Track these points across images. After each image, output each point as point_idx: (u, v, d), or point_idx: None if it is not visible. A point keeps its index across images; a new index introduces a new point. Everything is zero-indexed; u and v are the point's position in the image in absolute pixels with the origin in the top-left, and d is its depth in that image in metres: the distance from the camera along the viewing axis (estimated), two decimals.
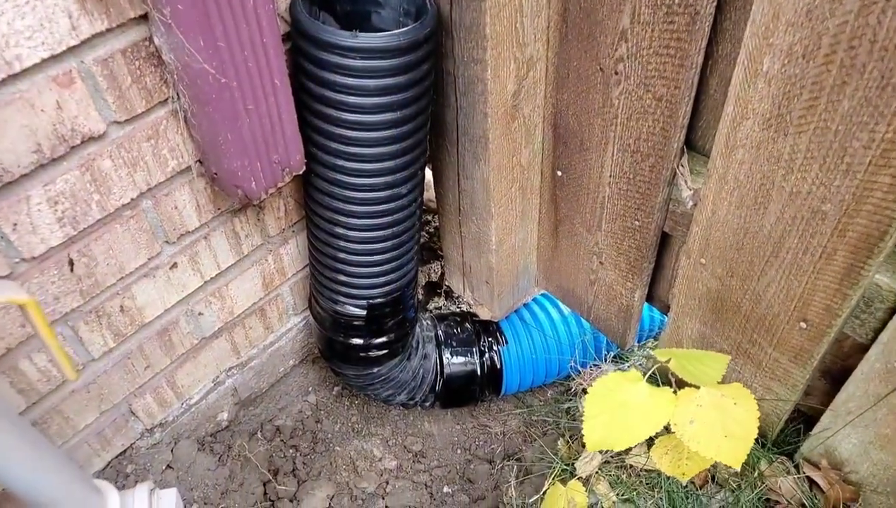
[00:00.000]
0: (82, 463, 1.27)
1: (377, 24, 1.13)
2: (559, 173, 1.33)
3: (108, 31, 0.87)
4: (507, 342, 1.62)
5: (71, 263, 1.02)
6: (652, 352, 1.13)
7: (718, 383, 0.96)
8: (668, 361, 0.96)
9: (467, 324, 1.65)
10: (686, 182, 1.09)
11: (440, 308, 2.02)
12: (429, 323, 1.65)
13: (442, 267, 1.80)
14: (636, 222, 1.22)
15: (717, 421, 0.90)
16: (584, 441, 0.94)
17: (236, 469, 1.54)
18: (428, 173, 1.44)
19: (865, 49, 0.73)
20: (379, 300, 1.32)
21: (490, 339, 1.62)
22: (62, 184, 0.94)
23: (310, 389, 1.84)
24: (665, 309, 1.35)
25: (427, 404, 1.65)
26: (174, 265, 1.19)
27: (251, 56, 0.93)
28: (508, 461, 1.67)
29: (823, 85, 0.79)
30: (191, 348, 1.33)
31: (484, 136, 1.20)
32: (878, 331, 0.97)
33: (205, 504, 1.42)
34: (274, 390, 1.70)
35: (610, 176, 1.20)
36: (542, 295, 1.72)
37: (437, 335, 1.62)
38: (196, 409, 1.44)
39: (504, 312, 1.63)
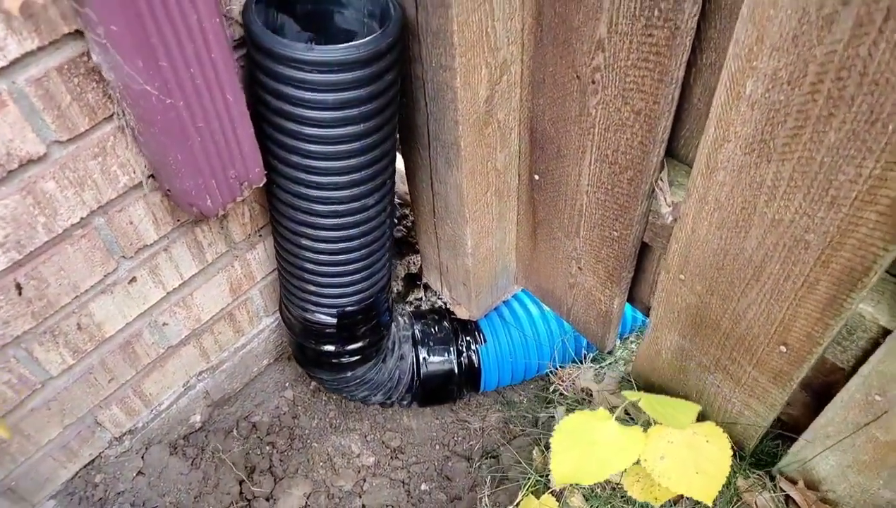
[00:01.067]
0: (48, 476, 1.24)
1: (340, 25, 1.06)
2: (536, 177, 1.27)
3: (41, 49, 0.81)
4: (485, 341, 1.58)
5: (18, 287, 0.97)
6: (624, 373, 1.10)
7: None
8: (638, 401, 0.92)
9: (445, 323, 1.62)
10: (665, 197, 1.04)
11: (420, 299, 1.98)
12: (405, 321, 1.61)
13: (417, 238, 1.76)
14: (614, 232, 1.17)
15: (688, 458, 0.87)
16: (552, 475, 0.91)
17: (210, 470, 1.51)
18: (401, 165, 1.38)
19: (854, 81, 0.68)
20: (350, 308, 1.28)
21: (468, 338, 1.59)
22: (2, 209, 0.88)
23: (286, 384, 1.81)
24: (646, 311, 1.32)
25: (404, 403, 1.63)
26: (133, 279, 1.13)
27: (198, 73, 0.86)
28: (486, 459, 1.66)
29: (809, 114, 0.74)
30: (157, 357, 1.29)
31: (455, 143, 1.14)
32: (859, 360, 0.94)
33: None
34: (249, 388, 1.67)
35: (588, 184, 1.15)
36: (523, 291, 1.68)
37: (413, 334, 1.58)
38: (167, 414, 1.41)
39: (482, 312, 1.59)
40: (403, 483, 1.66)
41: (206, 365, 1.42)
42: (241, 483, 1.57)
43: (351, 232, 1.13)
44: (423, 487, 1.66)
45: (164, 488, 1.41)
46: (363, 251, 1.19)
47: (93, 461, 1.31)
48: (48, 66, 0.83)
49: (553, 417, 1.43)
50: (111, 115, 0.93)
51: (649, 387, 1.39)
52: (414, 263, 1.89)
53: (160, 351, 1.28)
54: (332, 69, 0.89)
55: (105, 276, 1.08)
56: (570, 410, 1.40)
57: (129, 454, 1.36)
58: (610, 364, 1.51)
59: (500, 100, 1.13)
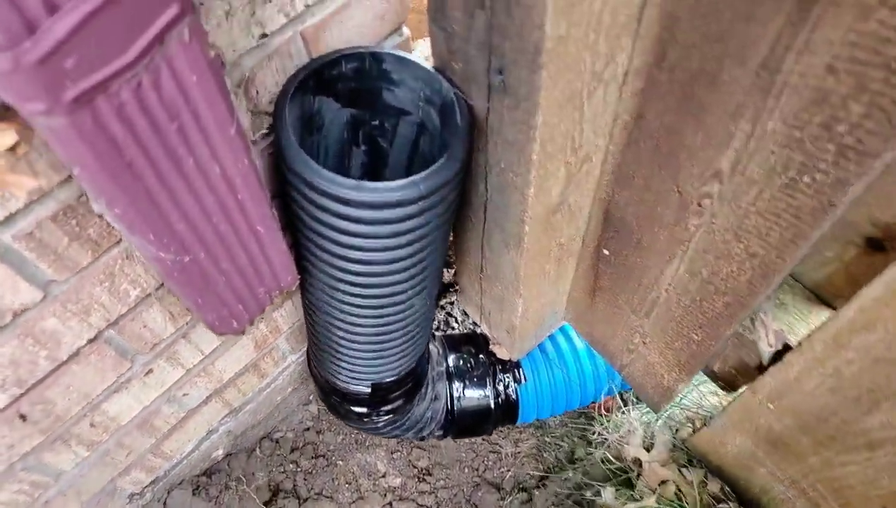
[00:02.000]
0: None
1: (390, 102, 0.88)
2: (606, 252, 1.12)
3: (29, 204, 0.66)
4: (525, 379, 1.49)
5: (22, 417, 0.87)
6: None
7: None
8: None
9: (482, 356, 1.52)
10: (767, 337, 0.90)
11: (451, 303, 1.87)
12: (439, 351, 1.52)
13: (455, 269, 1.63)
14: (694, 336, 1.04)
15: None
16: None
17: (234, 504, 1.48)
18: None
19: None
20: (387, 380, 1.18)
21: (507, 376, 1.50)
22: None
23: (310, 398, 1.75)
24: (713, 376, 1.21)
25: (436, 436, 1.56)
26: (149, 371, 1.03)
27: (222, 220, 0.71)
28: (518, 493, 1.62)
29: None
30: (176, 423, 1.21)
31: (517, 235, 0.98)
32: None
33: None
34: (273, 411, 1.61)
35: (670, 285, 1.01)
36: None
37: (448, 369, 1.49)
38: (188, 461, 1.35)
39: (524, 354, 1.48)
40: None
41: (229, 411, 1.35)
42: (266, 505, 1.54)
43: (391, 322, 1.01)
44: None
45: None
46: (404, 335, 1.07)
47: None
48: (41, 217, 0.68)
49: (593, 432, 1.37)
50: (119, 240, 0.78)
51: (705, 463, 1.32)
52: (448, 271, 1.77)
53: (180, 416, 1.20)
54: (385, 207, 0.73)
55: (118, 377, 0.98)
56: (617, 487, 1.33)
57: (150, 504, 1.32)
58: (659, 421, 1.42)
59: (575, 188, 0.96)
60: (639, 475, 1.33)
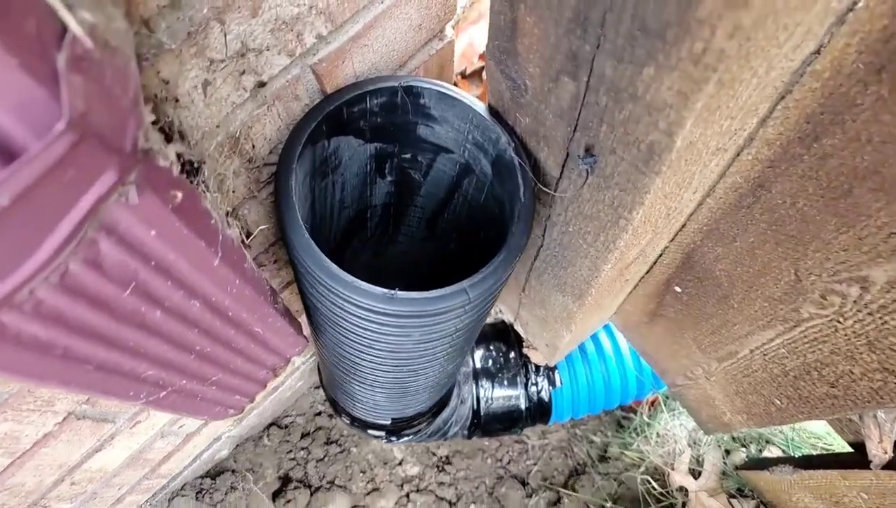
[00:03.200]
0: None
1: (426, 137, 0.70)
2: (677, 289, 0.95)
3: None
4: (561, 383, 1.37)
5: None
6: None
7: None
8: None
9: (512, 354, 1.39)
10: (882, 442, 0.75)
11: None
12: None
13: None
14: (777, 402, 0.90)
15: None
16: None
17: (241, 504, 1.41)
18: None
19: None
20: (409, 414, 1.05)
21: (541, 380, 1.37)
22: None
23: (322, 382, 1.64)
24: None
25: (461, 437, 1.46)
26: (136, 423, 0.91)
27: (209, 344, 0.56)
28: (545, 491, 1.54)
29: None
30: (174, 448, 1.10)
31: (578, 293, 0.82)
32: None
33: None
34: (280, 405, 1.51)
35: (758, 349, 0.85)
36: None
37: (475, 369, 1.37)
38: (189, 470, 1.26)
39: (560, 359, 1.35)
40: (450, 503, 1.57)
41: (233, 422, 1.24)
42: (274, 496, 1.48)
43: (417, 382, 0.87)
44: None
45: None
46: (432, 388, 0.93)
47: None
48: None
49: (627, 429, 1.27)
50: None
51: (758, 495, 1.21)
52: None
53: (177, 443, 1.09)
54: (423, 315, 0.57)
55: (99, 440, 0.85)
56: None
57: None
58: (709, 443, 1.31)
59: (656, 240, 0.78)
60: (684, 504, 1.23)
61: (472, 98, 0.64)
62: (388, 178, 0.78)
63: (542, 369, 1.37)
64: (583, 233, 0.67)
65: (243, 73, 0.52)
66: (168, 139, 0.40)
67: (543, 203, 0.71)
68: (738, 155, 0.63)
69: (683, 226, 0.83)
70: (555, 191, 0.64)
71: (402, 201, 0.84)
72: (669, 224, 0.74)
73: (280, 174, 0.57)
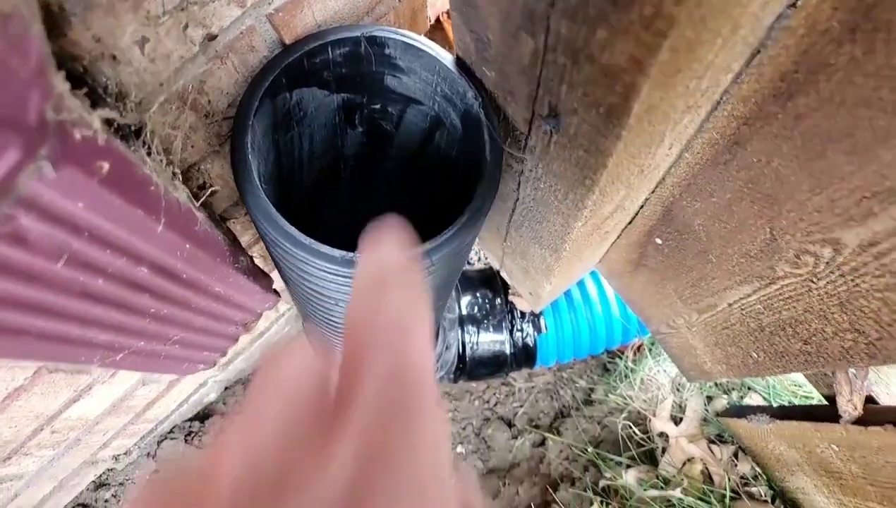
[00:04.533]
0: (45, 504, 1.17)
1: (394, 88, 0.67)
2: (658, 241, 0.94)
3: None
4: (546, 329, 1.37)
5: None
6: None
7: None
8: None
9: (498, 300, 1.39)
10: (852, 399, 0.75)
11: None
12: (452, 294, 1.39)
13: None
14: (754, 355, 0.90)
15: None
16: None
17: None
18: None
19: None
20: None
21: (527, 326, 1.38)
22: None
23: None
24: None
25: (446, 381, 1.48)
26: (114, 373, 0.91)
27: (164, 306, 0.56)
28: (530, 433, 1.57)
29: None
30: (158, 394, 1.12)
31: (554, 246, 0.81)
32: None
33: None
34: (269, 348, 1.52)
35: (735, 304, 0.85)
36: None
37: (461, 315, 1.37)
38: (177, 414, 1.29)
39: (545, 306, 1.35)
40: None
41: (219, 367, 1.25)
42: None
43: None
44: (459, 449, 1.60)
45: None
46: None
47: (98, 477, 1.22)
48: None
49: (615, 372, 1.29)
50: None
51: (737, 440, 1.23)
52: None
53: (161, 390, 1.11)
54: None
55: (76, 391, 0.86)
56: (644, 460, 1.25)
57: (138, 460, 1.27)
58: (691, 390, 1.32)
59: (633, 195, 0.77)
60: (664, 449, 1.25)
61: (440, 49, 0.61)
62: (359, 129, 0.76)
63: (527, 315, 1.37)
64: (553, 191, 0.65)
65: (187, 26, 0.49)
66: (95, 104, 0.38)
67: (516, 158, 0.69)
68: (714, 111, 0.61)
69: (662, 179, 0.81)
70: (523, 149, 0.62)
71: (375, 152, 0.82)
72: (645, 179, 0.72)
73: (235, 131, 0.55)
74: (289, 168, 0.74)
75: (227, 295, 0.64)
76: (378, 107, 0.72)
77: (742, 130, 0.59)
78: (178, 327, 0.60)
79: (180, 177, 0.50)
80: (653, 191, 0.86)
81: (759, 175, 0.61)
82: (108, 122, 0.41)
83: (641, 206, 0.91)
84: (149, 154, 0.46)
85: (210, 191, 0.60)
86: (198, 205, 0.53)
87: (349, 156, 0.80)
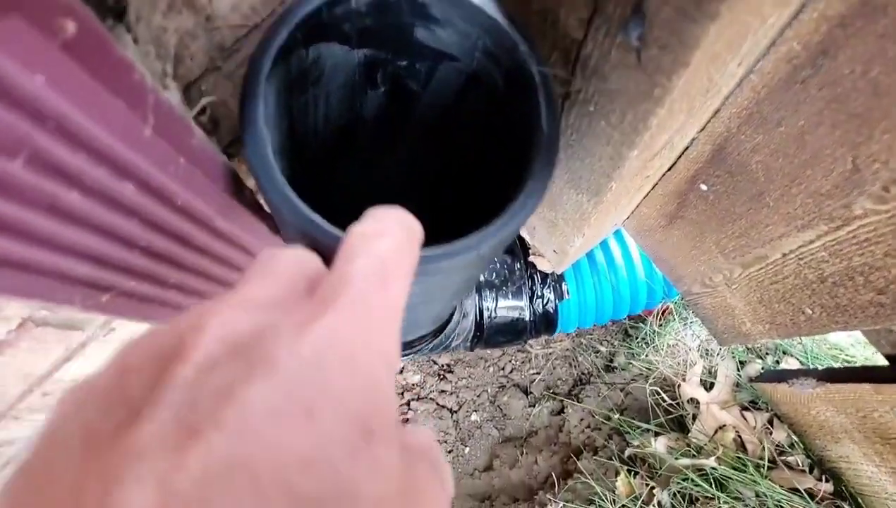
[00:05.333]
0: None
1: (426, 42, 0.58)
2: (703, 187, 0.86)
3: None
4: (568, 295, 1.29)
5: None
6: None
7: None
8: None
9: (518, 265, 1.30)
10: None
11: None
12: None
13: None
14: (808, 310, 0.82)
15: None
16: None
17: None
18: None
19: None
20: (409, 338, 0.98)
21: (547, 292, 1.29)
22: None
23: None
24: None
25: (461, 349, 1.40)
26: (110, 331, 0.83)
27: (158, 238, 0.47)
28: (548, 401, 1.50)
29: None
30: None
31: (596, 189, 0.72)
32: None
33: None
34: None
35: (793, 253, 0.76)
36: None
37: (478, 282, 1.29)
38: None
39: (568, 266, 1.26)
40: (452, 411, 1.53)
41: None
42: None
43: (413, 316, 0.79)
44: (474, 418, 1.53)
45: None
46: (429, 318, 0.85)
47: None
48: None
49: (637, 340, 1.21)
50: None
51: (772, 406, 1.15)
52: None
53: None
54: (424, 273, 0.47)
55: (67, 349, 0.78)
56: (673, 427, 1.17)
57: None
58: (722, 354, 1.24)
59: (687, 127, 0.68)
60: (694, 416, 1.17)
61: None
62: (381, 89, 0.66)
63: (548, 280, 1.29)
64: (606, 113, 0.56)
65: None
66: None
67: (560, 79, 0.60)
68: (800, 12, 0.52)
69: (717, 110, 0.71)
70: (573, 64, 0.53)
71: (398, 115, 0.72)
72: (705, 104, 0.63)
73: (245, 99, 0.45)
74: (302, 135, 0.64)
75: (230, 234, 0.55)
76: (404, 64, 0.62)
77: (834, 34, 0.50)
78: (174, 267, 0.52)
79: (173, 74, 0.41)
80: (702, 129, 0.77)
81: (849, 91, 0.52)
82: None
83: (687, 147, 0.82)
84: (135, 41, 0.37)
85: (205, 103, 0.51)
86: (193, 114, 0.44)
87: (369, 119, 0.70)
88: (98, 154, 0.35)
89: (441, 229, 0.78)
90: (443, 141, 0.74)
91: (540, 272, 1.31)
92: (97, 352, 0.85)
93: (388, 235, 0.27)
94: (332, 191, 0.77)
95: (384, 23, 0.53)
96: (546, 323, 1.33)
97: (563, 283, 1.30)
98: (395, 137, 0.76)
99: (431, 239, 0.70)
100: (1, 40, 0.26)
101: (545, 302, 1.30)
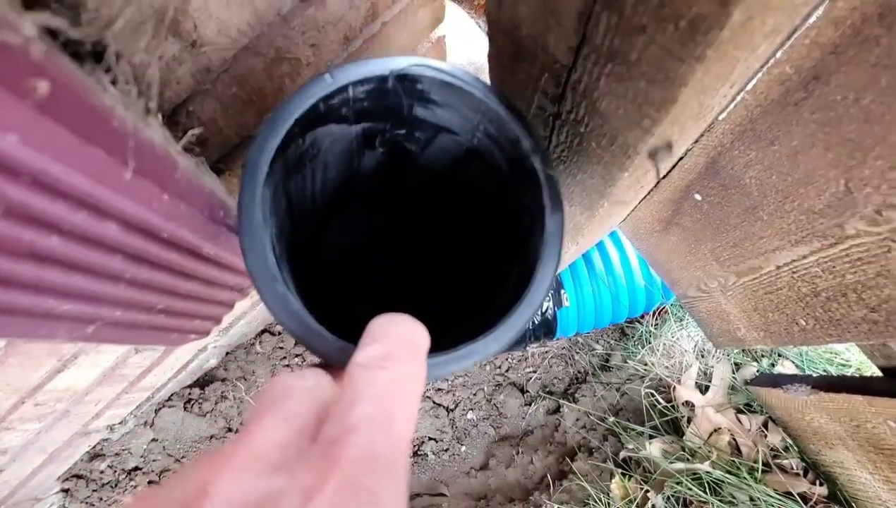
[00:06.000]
0: (38, 487, 1.11)
1: (424, 118, 0.57)
2: (697, 197, 0.85)
3: None
4: (567, 303, 1.29)
5: None
6: None
7: None
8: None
9: None
10: None
11: None
12: None
13: None
14: (801, 322, 0.82)
15: None
16: None
17: (232, 413, 1.38)
18: None
19: None
20: None
21: (547, 302, 1.29)
22: None
23: None
24: None
25: None
26: None
27: (144, 270, 0.47)
28: (544, 400, 1.50)
29: None
30: (153, 362, 1.04)
31: (589, 205, 0.72)
32: None
33: None
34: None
35: (786, 266, 0.76)
36: None
37: None
38: (175, 381, 1.21)
39: (563, 268, 1.26)
40: (448, 409, 1.54)
41: (218, 332, 1.18)
42: None
43: None
44: (470, 416, 1.54)
45: (182, 450, 1.29)
46: None
47: (93, 448, 1.16)
48: None
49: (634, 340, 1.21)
50: None
51: (767, 410, 1.16)
52: None
53: (156, 357, 1.03)
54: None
55: (59, 361, 0.79)
56: (668, 430, 1.18)
57: (135, 429, 1.20)
58: (718, 356, 1.24)
59: (678, 144, 0.67)
60: (689, 419, 1.17)
61: (485, 86, 0.50)
62: (379, 150, 0.65)
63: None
64: (597, 135, 0.56)
65: None
66: (31, 6, 0.29)
67: (550, 98, 0.59)
68: (791, 36, 0.51)
69: (711, 125, 0.71)
70: (563, 86, 0.53)
71: (395, 171, 0.71)
72: (697, 124, 0.63)
73: (242, 205, 0.44)
74: (300, 204, 0.63)
75: (218, 257, 0.55)
76: (403, 132, 0.61)
77: (827, 61, 0.49)
78: (161, 294, 0.52)
79: (156, 112, 0.40)
80: (696, 141, 0.77)
81: (842, 116, 0.52)
82: (52, 34, 0.31)
83: (681, 158, 0.82)
84: (114, 83, 0.37)
85: (190, 134, 0.50)
86: (179, 148, 0.44)
87: (366, 175, 0.69)
88: (77, 201, 0.35)
89: (443, 284, 0.77)
90: (442, 200, 0.73)
91: None
92: (90, 361, 0.85)
93: (391, 364, 0.28)
94: (332, 247, 0.77)
95: (383, 104, 0.53)
96: (546, 329, 1.33)
97: (563, 292, 1.30)
98: (393, 191, 0.75)
99: (433, 295, 0.69)
100: None
101: (544, 310, 1.30)
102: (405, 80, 0.48)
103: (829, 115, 0.53)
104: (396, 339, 0.30)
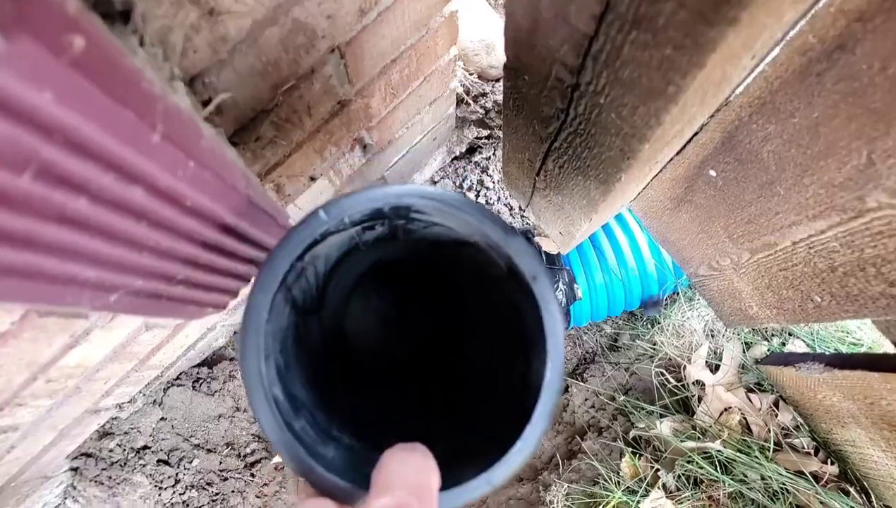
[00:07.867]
0: (48, 465, 1.12)
1: (420, 219, 0.57)
2: (712, 173, 0.85)
3: None
4: (580, 296, 1.29)
5: None
6: None
7: None
8: None
9: None
10: None
11: (489, 159, 1.60)
12: None
13: (494, 148, 1.36)
14: (817, 298, 0.82)
15: None
16: None
17: (241, 393, 1.39)
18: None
19: None
20: None
21: (559, 294, 1.30)
22: None
23: None
24: None
25: None
26: (113, 317, 0.84)
27: (165, 238, 0.48)
28: None
29: None
30: (163, 340, 1.05)
31: (605, 179, 0.72)
32: None
33: (208, 451, 1.30)
34: None
35: (803, 242, 0.76)
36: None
37: None
38: (183, 360, 1.22)
39: (574, 247, 1.27)
40: None
41: (227, 312, 1.18)
42: None
43: None
44: None
45: (190, 429, 1.30)
46: None
47: (102, 426, 1.17)
48: None
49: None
50: None
51: (777, 389, 1.16)
52: (478, 137, 1.48)
53: (166, 335, 1.04)
54: None
55: (71, 337, 0.79)
56: (678, 409, 1.19)
57: (145, 407, 1.21)
58: (728, 335, 1.24)
59: (696, 118, 0.67)
60: (699, 398, 1.18)
61: (484, 209, 0.48)
62: (377, 229, 0.64)
63: (560, 282, 1.29)
64: (617, 106, 0.56)
65: None
66: None
67: (569, 69, 0.59)
68: (815, 5, 0.51)
69: (727, 99, 0.71)
70: (584, 56, 0.53)
71: (395, 249, 0.71)
72: (717, 95, 0.63)
73: (244, 356, 0.45)
74: (302, 300, 0.63)
75: (238, 228, 0.56)
76: (401, 223, 0.60)
77: (852, 29, 0.49)
78: (181, 263, 0.52)
79: (180, 77, 0.40)
80: (712, 116, 0.76)
81: (867, 86, 0.52)
82: None
83: (696, 133, 0.82)
84: (141, 44, 0.37)
85: (219, 98, 0.50)
86: (203, 116, 0.44)
87: (368, 242, 0.68)
88: (106, 162, 0.35)
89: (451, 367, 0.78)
90: (444, 283, 0.74)
91: (550, 266, 1.31)
92: (101, 338, 0.86)
93: None
94: (332, 325, 0.79)
95: (379, 219, 0.53)
96: None
97: (576, 285, 1.30)
98: (392, 265, 0.76)
99: (442, 379, 0.69)
100: (9, 59, 0.25)
101: (559, 303, 1.30)
102: (400, 207, 0.48)
103: (853, 85, 0.53)
104: (408, 491, 0.30)
